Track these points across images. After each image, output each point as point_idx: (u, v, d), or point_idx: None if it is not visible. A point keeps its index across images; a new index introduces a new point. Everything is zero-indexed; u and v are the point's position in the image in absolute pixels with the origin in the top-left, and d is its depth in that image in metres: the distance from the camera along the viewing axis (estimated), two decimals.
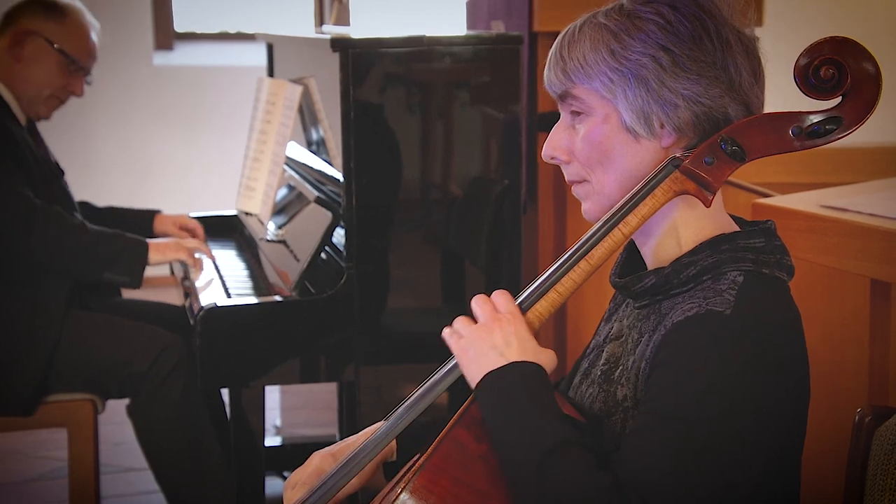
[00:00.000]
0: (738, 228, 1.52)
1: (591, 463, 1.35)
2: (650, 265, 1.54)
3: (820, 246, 2.20)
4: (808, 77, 1.40)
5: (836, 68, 1.39)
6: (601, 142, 1.49)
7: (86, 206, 3.39)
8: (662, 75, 1.45)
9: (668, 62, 1.44)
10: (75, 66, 3.17)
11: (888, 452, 1.54)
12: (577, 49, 1.49)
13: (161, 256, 3.04)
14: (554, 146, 1.54)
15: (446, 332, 1.50)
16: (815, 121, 1.42)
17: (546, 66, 1.54)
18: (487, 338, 1.44)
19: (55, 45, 3.13)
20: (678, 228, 1.50)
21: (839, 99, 1.42)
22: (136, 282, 3.01)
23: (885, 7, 5.86)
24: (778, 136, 1.43)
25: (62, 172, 3.26)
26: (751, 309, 1.40)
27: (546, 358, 1.45)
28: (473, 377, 1.44)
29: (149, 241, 3.05)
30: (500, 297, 1.48)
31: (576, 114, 1.51)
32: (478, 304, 1.48)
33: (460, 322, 1.49)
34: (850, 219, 2.15)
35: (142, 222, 3.41)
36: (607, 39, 1.47)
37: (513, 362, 1.42)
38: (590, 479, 1.33)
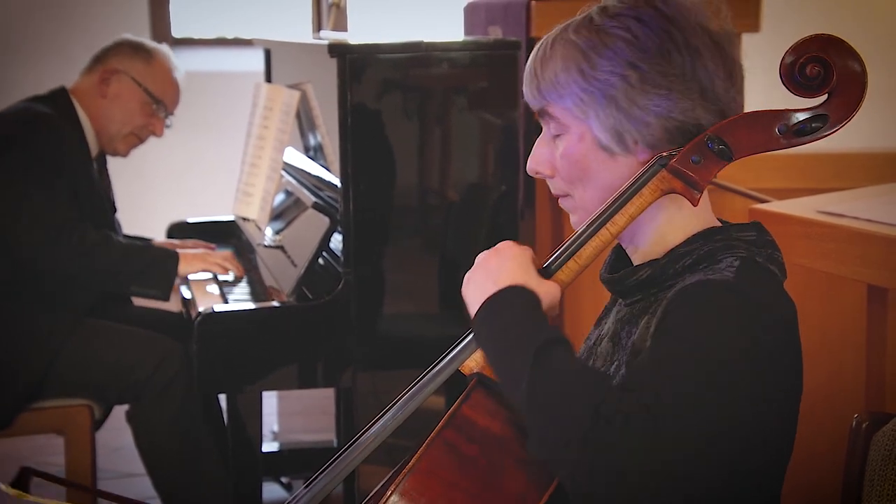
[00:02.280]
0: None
1: (582, 362, 1.36)
2: (637, 259, 1.54)
3: (817, 251, 2.20)
4: (794, 75, 1.41)
5: (822, 66, 1.40)
6: (578, 160, 1.50)
7: None
8: (632, 93, 1.45)
9: (637, 79, 1.45)
10: (158, 106, 3.26)
11: (885, 458, 1.54)
12: (550, 67, 1.49)
13: (189, 268, 3.07)
14: (537, 161, 1.56)
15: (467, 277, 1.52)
16: (801, 119, 1.43)
17: (523, 81, 1.55)
18: (484, 267, 1.47)
19: (140, 84, 3.23)
20: (666, 228, 1.51)
21: (825, 97, 1.42)
22: (165, 294, 3.04)
23: (885, 9, 5.87)
24: (764, 135, 1.44)
25: (114, 209, 3.33)
26: (751, 282, 1.40)
27: (546, 289, 1.44)
28: (472, 309, 1.46)
29: (179, 251, 3.09)
30: (504, 243, 1.51)
31: (552, 130, 1.53)
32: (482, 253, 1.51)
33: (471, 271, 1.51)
34: (848, 224, 2.15)
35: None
36: (577, 58, 1.47)
37: (503, 288, 1.43)
38: (584, 371, 1.33)
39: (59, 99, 3.19)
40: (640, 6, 1.48)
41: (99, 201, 3.15)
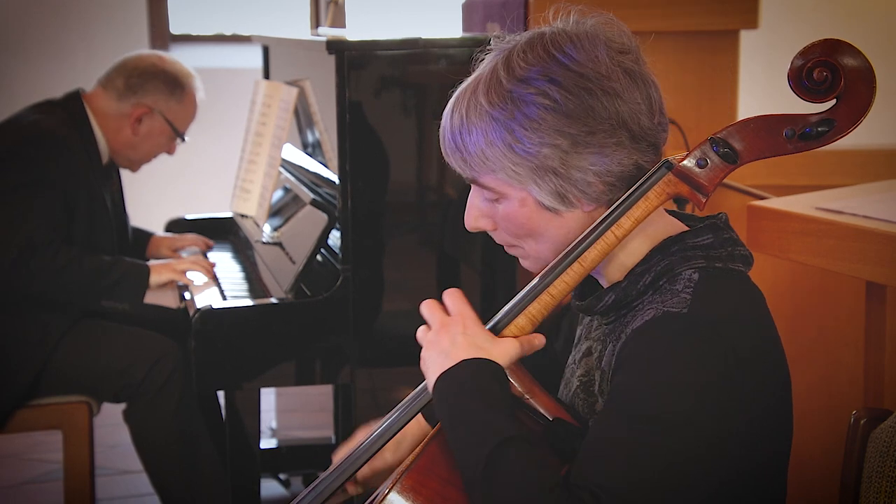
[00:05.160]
0: (684, 228, 1.51)
1: (537, 460, 1.33)
2: (605, 283, 1.53)
3: (816, 248, 2.20)
4: (802, 79, 1.39)
5: (830, 71, 1.39)
6: (524, 223, 1.48)
7: None
8: (567, 158, 1.43)
9: (569, 145, 1.42)
10: (179, 136, 3.30)
11: (883, 455, 1.54)
12: (473, 142, 1.46)
13: (159, 278, 3.07)
14: (476, 217, 1.53)
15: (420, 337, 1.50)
16: (808, 123, 1.42)
17: (442, 147, 1.51)
18: (437, 345, 1.44)
19: (171, 123, 3.26)
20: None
21: (833, 101, 1.41)
22: (135, 308, 3.06)
23: (883, 9, 5.86)
24: (771, 139, 1.43)
25: (124, 215, 3.33)
26: (707, 306, 1.39)
27: (502, 349, 1.43)
28: (429, 386, 1.44)
29: (150, 263, 3.09)
30: (449, 297, 1.48)
31: (486, 196, 1.50)
32: (427, 311, 1.48)
33: (420, 332, 1.49)
34: (846, 221, 2.15)
35: (136, 241, 3.46)
36: (500, 133, 1.44)
37: (458, 363, 1.41)
38: (536, 476, 1.31)
39: (73, 106, 3.18)
40: (546, 62, 1.43)
41: (103, 213, 3.14)
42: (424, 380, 1.49)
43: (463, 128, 1.47)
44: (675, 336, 1.36)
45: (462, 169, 1.50)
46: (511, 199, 1.48)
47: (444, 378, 1.41)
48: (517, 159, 1.44)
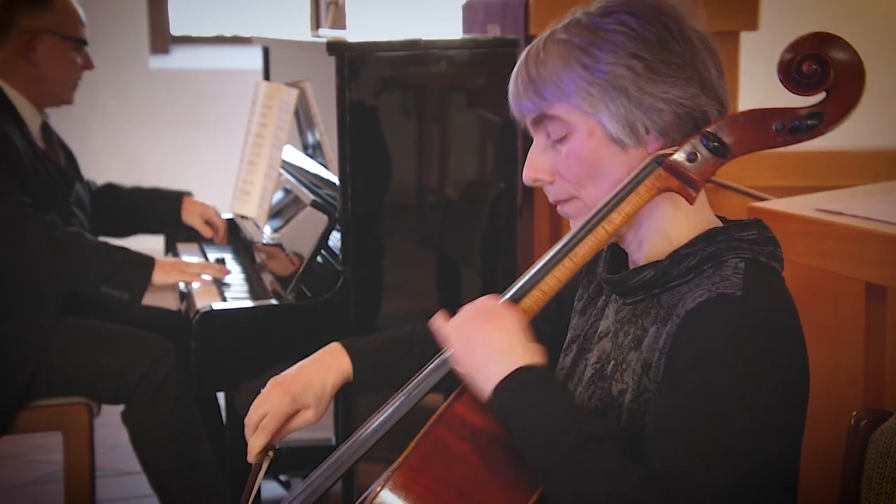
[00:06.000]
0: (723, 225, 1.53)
1: (622, 455, 1.34)
2: (639, 264, 1.53)
3: (815, 249, 2.20)
4: (791, 72, 1.40)
5: (819, 64, 1.39)
6: (589, 157, 1.48)
7: (111, 188, 3.39)
8: (640, 82, 1.44)
9: (643, 69, 1.44)
10: (81, 42, 3.15)
11: (883, 456, 1.54)
12: (548, 69, 1.48)
13: (165, 277, 2.97)
14: (536, 168, 1.53)
15: (442, 328, 1.49)
16: (798, 116, 1.42)
17: (512, 93, 1.53)
18: (488, 340, 1.42)
19: (57, 33, 3.09)
20: (667, 228, 1.50)
21: (823, 95, 1.41)
22: (136, 299, 2.95)
23: (883, 9, 5.87)
24: (761, 133, 1.43)
25: (72, 176, 3.19)
26: (759, 291, 1.41)
27: (540, 352, 1.43)
28: (481, 385, 1.42)
29: (156, 259, 3.00)
30: (490, 299, 1.48)
31: (554, 135, 1.50)
32: (472, 305, 1.47)
33: (461, 319, 1.46)
34: (846, 222, 2.15)
35: (169, 204, 3.38)
36: (577, 55, 1.46)
37: (521, 367, 1.40)
38: (623, 472, 1.32)
39: None
40: (626, 3, 1.47)
41: (47, 173, 3.03)
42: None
43: (538, 59, 1.49)
44: (739, 317, 1.38)
45: (533, 105, 1.50)
46: (579, 131, 1.48)
47: (507, 382, 1.39)
48: (592, 79, 1.45)
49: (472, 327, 1.45)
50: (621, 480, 1.31)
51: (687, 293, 1.43)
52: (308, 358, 1.74)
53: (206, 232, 3.36)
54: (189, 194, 3.45)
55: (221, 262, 3.11)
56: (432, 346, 1.60)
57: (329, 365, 1.73)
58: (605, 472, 1.32)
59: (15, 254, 2.87)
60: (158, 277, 2.97)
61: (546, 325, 1.64)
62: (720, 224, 1.52)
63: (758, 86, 4.20)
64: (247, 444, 1.73)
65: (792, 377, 1.40)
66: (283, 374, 1.73)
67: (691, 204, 1.45)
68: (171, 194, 3.45)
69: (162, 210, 3.31)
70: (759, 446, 1.34)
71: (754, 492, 1.34)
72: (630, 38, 1.45)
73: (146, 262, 2.96)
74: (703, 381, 1.35)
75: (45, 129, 3.17)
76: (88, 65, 3.19)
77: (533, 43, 1.53)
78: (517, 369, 1.39)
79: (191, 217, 3.39)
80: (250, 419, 1.71)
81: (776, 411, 1.37)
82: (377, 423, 1.55)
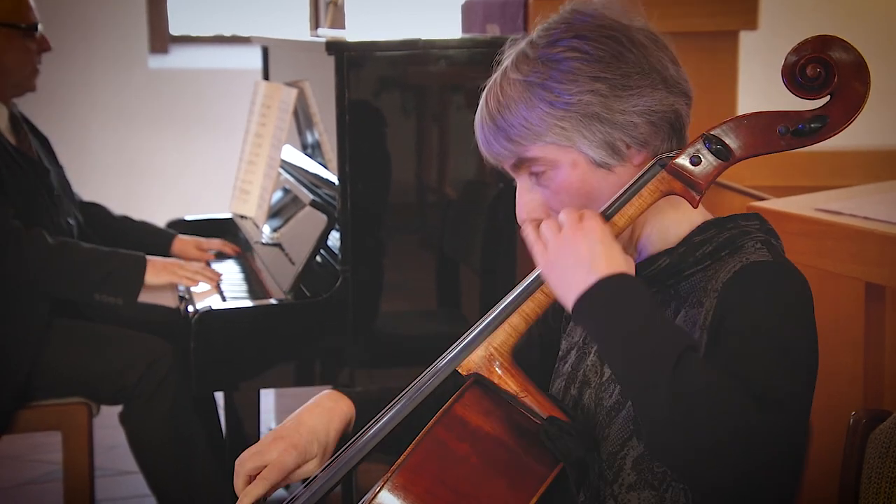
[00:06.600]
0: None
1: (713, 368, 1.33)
2: (642, 255, 1.53)
3: (815, 249, 2.20)
4: (795, 76, 1.39)
5: (823, 67, 1.38)
6: (579, 187, 1.48)
7: (98, 211, 3.36)
8: (608, 102, 1.44)
9: (607, 89, 1.44)
10: (31, 28, 3.09)
11: (882, 456, 1.54)
12: (512, 113, 1.46)
13: (157, 278, 2.97)
14: (529, 210, 1.52)
15: (531, 237, 1.45)
16: (802, 119, 1.41)
17: (482, 141, 1.51)
18: (572, 250, 1.38)
19: (9, 25, 3.03)
20: (668, 227, 1.51)
21: (827, 98, 1.40)
22: (131, 302, 2.95)
23: (883, 9, 5.87)
24: (765, 136, 1.42)
25: (48, 171, 3.13)
26: (784, 261, 1.45)
27: (629, 263, 1.39)
28: (565, 297, 1.39)
29: (148, 258, 2.98)
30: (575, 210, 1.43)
31: (537, 174, 1.50)
32: (563, 214, 1.42)
33: (547, 227, 1.42)
34: (845, 222, 2.15)
35: (158, 242, 3.34)
36: (538, 92, 1.45)
37: (603, 278, 1.35)
38: (723, 381, 1.30)
39: None
40: (567, 23, 1.47)
41: (23, 173, 2.99)
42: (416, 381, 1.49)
43: (501, 106, 1.48)
44: (777, 275, 1.42)
45: (507, 151, 1.49)
46: (562, 165, 1.47)
47: (590, 295, 1.35)
48: (561, 114, 1.45)
49: (559, 236, 1.40)
50: (723, 385, 1.30)
51: (713, 275, 1.44)
52: (304, 407, 1.67)
53: (208, 257, 3.34)
54: (177, 235, 3.38)
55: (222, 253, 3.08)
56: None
57: (331, 409, 1.66)
58: (706, 377, 1.30)
59: (2, 271, 2.86)
60: (150, 278, 2.97)
61: (533, 350, 1.66)
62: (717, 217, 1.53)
63: (757, 85, 4.21)
64: (246, 446, 1.71)
65: (815, 335, 1.45)
66: (282, 425, 1.66)
67: (695, 207, 1.45)
68: (160, 232, 3.41)
69: (148, 244, 3.26)
70: (809, 384, 1.41)
71: (803, 424, 1.41)
72: (585, 61, 1.44)
73: (137, 264, 2.97)
74: (757, 326, 1.37)
75: (14, 120, 3.14)
76: (45, 47, 3.14)
77: (487, 87, 1.51)
78: (597, 282, 1.35)
79: (186, 255, 3.34)
80: (244, 465, 1.63)
81: (814, 358, 1.44)
82: (378, 425, 1.54)
